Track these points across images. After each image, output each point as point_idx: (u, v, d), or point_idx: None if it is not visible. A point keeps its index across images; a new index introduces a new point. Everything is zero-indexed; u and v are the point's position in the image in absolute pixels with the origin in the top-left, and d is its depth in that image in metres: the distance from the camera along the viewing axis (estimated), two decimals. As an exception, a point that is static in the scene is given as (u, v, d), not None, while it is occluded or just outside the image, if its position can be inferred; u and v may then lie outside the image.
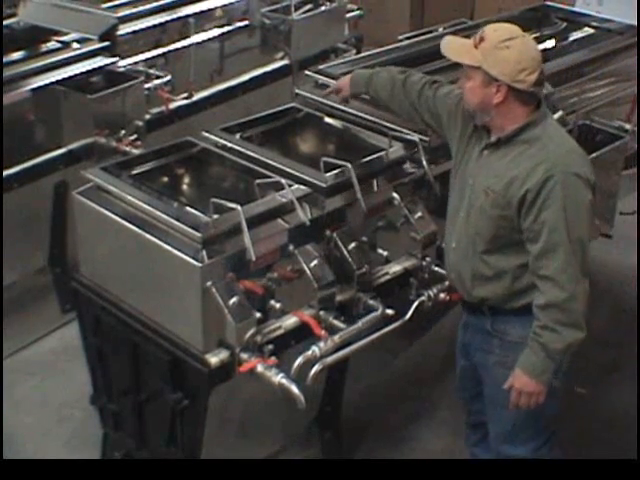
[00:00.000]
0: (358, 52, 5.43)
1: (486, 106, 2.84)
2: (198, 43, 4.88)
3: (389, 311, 3.12)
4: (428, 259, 3.34)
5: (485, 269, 2.93)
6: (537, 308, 2.80)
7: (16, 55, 4.41)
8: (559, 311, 2.75)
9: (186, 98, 4.78)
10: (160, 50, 4.73)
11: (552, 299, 2.76)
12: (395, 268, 3.33)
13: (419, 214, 3.32)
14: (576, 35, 4.72)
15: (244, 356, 2.86)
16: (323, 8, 5.37)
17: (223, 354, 2.88)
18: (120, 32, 4.54)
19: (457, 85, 3.07)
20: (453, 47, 2.95)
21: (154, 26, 4.72)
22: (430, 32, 4.50)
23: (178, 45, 4.80)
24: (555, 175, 2.73)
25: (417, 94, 3.24)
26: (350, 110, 3.60)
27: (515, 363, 2.88)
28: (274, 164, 3.23)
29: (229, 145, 3.37)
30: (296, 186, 3.09)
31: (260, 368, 2.84)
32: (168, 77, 4.54)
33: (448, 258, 3.09)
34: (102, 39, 4.45)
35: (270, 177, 3.11)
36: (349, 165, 3.16)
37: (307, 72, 3.87)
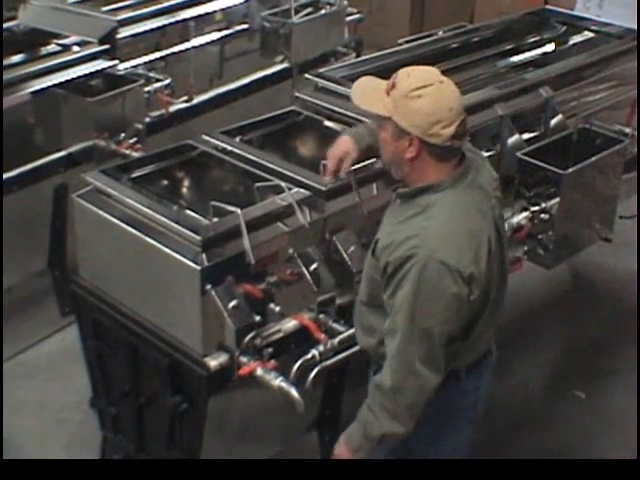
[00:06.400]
0: (358, 56, 5.43)
1: (399, 160, 2.55)
2: (198, 46, 4.90)
3: (388, 314, 3.12)
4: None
5: (364, 319, 2.77)
6: (371, 384, 2.63)
7: (16, 58, 4.42)
8: (384, 396, 2.55)
9: (186, 101, 4.80)
10: (160, 53, 4.75)
11: (380, 382, 2.57)
12: (395, 271, 3.33)
13: (419, 217, 3.31)
14: (576, 39, 4.72)
15: (243, 359, 2.86)
16: (323, 12, 5.36)
17: (222, 357, 2.88)
18: (120, 35, 4.57)
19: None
20: (366, 92, 2.61)
21: (154, 29, 4.75)
22: (430, 36, 4.50)
23: (178, 48, 4.82)
24: (416, 256, 2.44)
25: None
26: (350, 113, 3.59)
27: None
28: (274, 167, 3.23)
29: (229, 148, 3.37)
30: (296, 189, 3.08)
31: (259, 371, 2.84)
32: (168, 80, 4.54)
33: None
34: (102, 42, 4.46)
35: (270, 180, 3.11)
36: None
37: (307, 75, 3.87)
